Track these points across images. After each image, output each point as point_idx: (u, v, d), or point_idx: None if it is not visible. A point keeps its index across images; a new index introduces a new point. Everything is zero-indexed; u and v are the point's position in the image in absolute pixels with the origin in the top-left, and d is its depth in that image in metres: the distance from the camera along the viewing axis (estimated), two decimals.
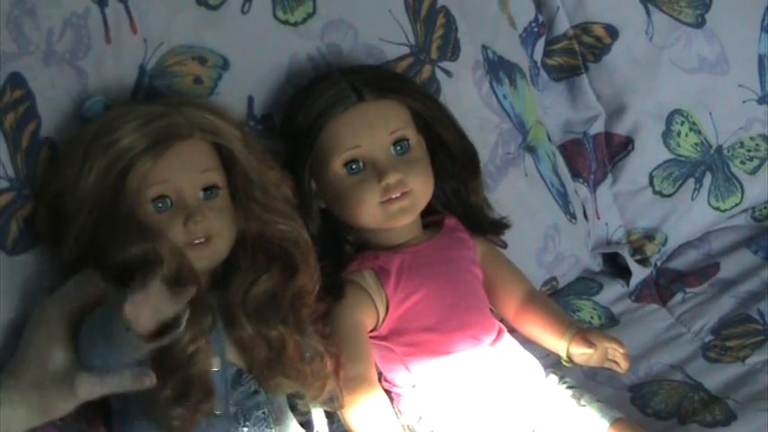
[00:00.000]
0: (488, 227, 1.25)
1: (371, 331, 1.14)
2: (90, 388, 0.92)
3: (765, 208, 1.60)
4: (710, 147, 1.54)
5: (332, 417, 1.11)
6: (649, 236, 1.54)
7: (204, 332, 0.97)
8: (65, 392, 0.92)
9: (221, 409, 1.00)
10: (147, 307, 0.86)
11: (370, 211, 1.13)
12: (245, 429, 1.01)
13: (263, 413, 1.02)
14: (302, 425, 1.07)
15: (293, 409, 1.07)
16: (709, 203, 1.55)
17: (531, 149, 1.40)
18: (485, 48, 1.36)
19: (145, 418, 0.97)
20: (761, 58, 1.54)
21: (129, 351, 0.88)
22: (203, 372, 0.97)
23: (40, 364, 0.93)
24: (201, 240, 1.01)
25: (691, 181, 1.53)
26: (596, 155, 1.54)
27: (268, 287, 1.04)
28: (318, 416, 1.09)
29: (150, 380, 0.91)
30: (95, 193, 1.00)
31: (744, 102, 1.54)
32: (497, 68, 1.37)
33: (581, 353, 1.15)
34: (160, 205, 1.01)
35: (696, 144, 1.53)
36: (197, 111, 1.04)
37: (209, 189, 1.04)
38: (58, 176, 1.03)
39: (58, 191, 1.02)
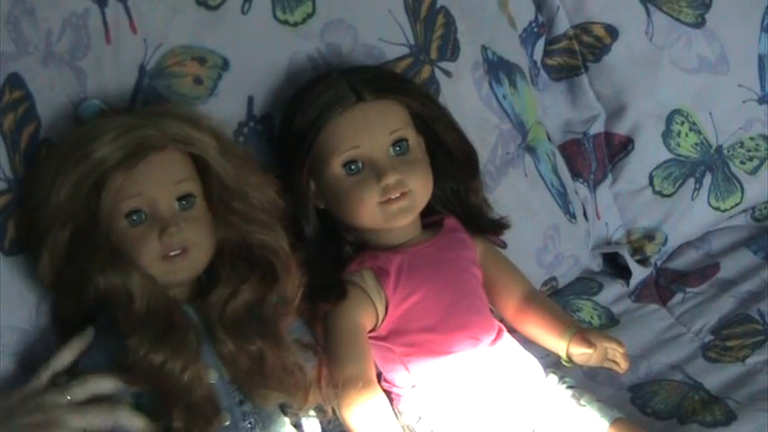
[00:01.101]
0: (488, 227, 1.25)
1: (371, 331, 1.14)
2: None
3: (765, 208, 1.60)
4: (710, 147, 1.54)
5: (325, 414, 1.10)
6: (649, 236, 1.54)
7: (193, 356, 0.97)
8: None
9: (228, 418, 1.00)
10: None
11: (370, 211, 1.13)
12: None
13: (250, 424, 1.02)
14: (296, 426, 1.07)
15: (286, 414, 1.07)
16: (709, 203, 1.55)
17: (530, 149, 1.40)
18: (484, 48, 1.36)
19: None
20: (761, 58, 1.54)
21: None
22: (205, 392, 0.97)
23: None
24: (178, 252, 1.01)
25: (691, 181, 1.53)
26: (596, 155, 1.54)
27: (246, 299, 1.04)
28: (310, 422, 1.08)
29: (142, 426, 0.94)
30: (68, 209, 0.99)
31: (744, 102, 1.54)
32: (497, 69, 1.37)
33: (581, 353, 1.15)
34: (135, 218, 1.01)
35: (696, 144, 1.53)
36: (171, 121, 1.03)
37: (184, 199, 1.03)
38: (33, 190, 1.02)
39: (34, 205, 1.01)
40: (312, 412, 1.07)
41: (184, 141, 1.03)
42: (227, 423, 0.99)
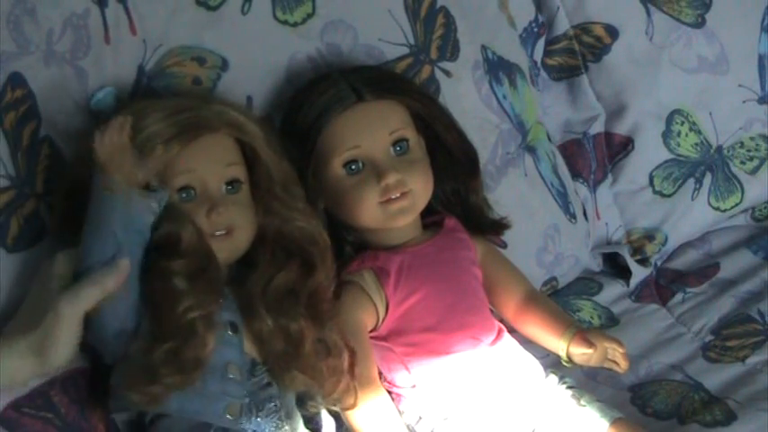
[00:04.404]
0: (488, 227, 1.25)
1: (371, 331, 1.15)
2: (70, 299, 0.92)
3: (765, 208, 1.60)
4: (710, 147, 1.54)
5: (340, 420, 1.11)
6: (649, 236, 1.54)
7: (205, 304, 0.97)
8: (50, 319, 0.92)
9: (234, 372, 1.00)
10: (117, 152, 0.93)
11: (370, 211, 1.13)
12: (259, 420, 1.01)
13: (275, 405, 1.02)
14: (311, 420, 1.07)
15: (301, 409, 1.07)
16: (710, 203, 1.55)
17: (530, 149, 1.40)
18: (484, 48, 1.36)
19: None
20: (761, 58, 1.54)
21: (120, 211, 0.92)
22: (197, 346, 0.96)
23: (33, 312, 0.94)
24: (223, 232, 1.02)
25: (691, 181, 1.53)
26: (596, 155, 1.54)
27: (287, 282, 1.05)
28: (326, 419, 1.09)
29: (124, 266, 0.94)
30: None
31: (744, 102, 1.54)
32: (497, 69, 1.37)
33: (581, 353, 1.15)
34: (184, 195, 1.02)
35: (696, 144, 1.53)
36: (224, 107, 1.05)
37: (231, 184, 1.04)
38: (78, 166, 1.02)
39: (78, 180, 1.01)
40: (331, 404, 1.07)
41: (237, 127, 1.05)
42: (232, 377, 0.99)
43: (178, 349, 0.95)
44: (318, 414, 1.08)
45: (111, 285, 0.94)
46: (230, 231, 1.03)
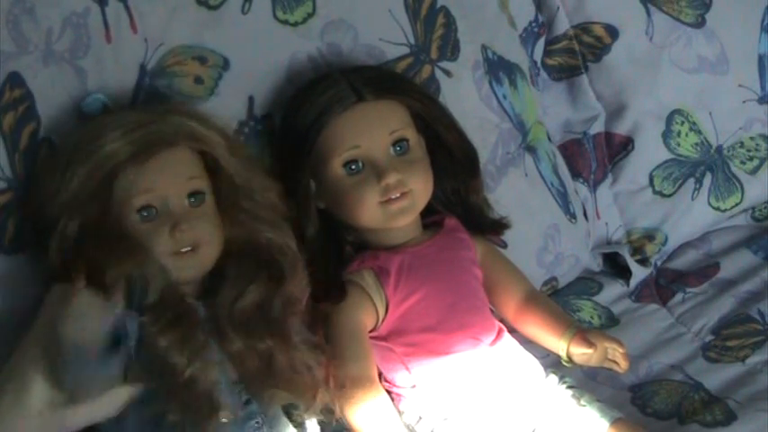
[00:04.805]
0: (488, 227, 1.25)
1: (371, 331, 1.14)
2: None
3: (765, 208, 1.60)
4: (710, 147, 1.54)
5: (327, 429, 1.10)
6: (649, 236, 1.54)
7: (198, 351, 0.96)
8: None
9: (228, 416, 0.99)
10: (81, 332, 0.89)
11: (370, 211, 1.13)
12: None
13: (257, 423, 1.01)
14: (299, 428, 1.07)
15: (289, 417, 1.06)
16: (709, 203, 1.55)
17: (531, 149, 1.40)
18: (484, 48, 1.36)
19: None
20: (761, 58, 1.54)
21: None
22: (206, 389, 0.96)
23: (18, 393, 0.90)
24: (188, 249, 1.01)
25: (691, 181, 1.53)
26: (596, 155, 1.54)
27: (255, 298, 1.03)
28: (313, 427, 1.08)
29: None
30: (78, 201, 0.99)
31: (744, 102, 1.54)
32: (497, 68, 1.37)
33: (581, 353, 1.15)
34: (145, 214, 1.00)
35: (696, 144, 1.53)
36: (182, 118, 1.03)
37: (194, 196, 1.03)
38: (40, 186, 1.02)
39: (41, 201, 1.01)
40: (315, 415, 1.06)
41: (196, 138, 1.03)
42: (225, 421, 0.98)
43: (188, 405, 0.94)
44: (304, 423, 1.07)
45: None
46: (196, 247, 1.01)
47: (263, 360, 1.02)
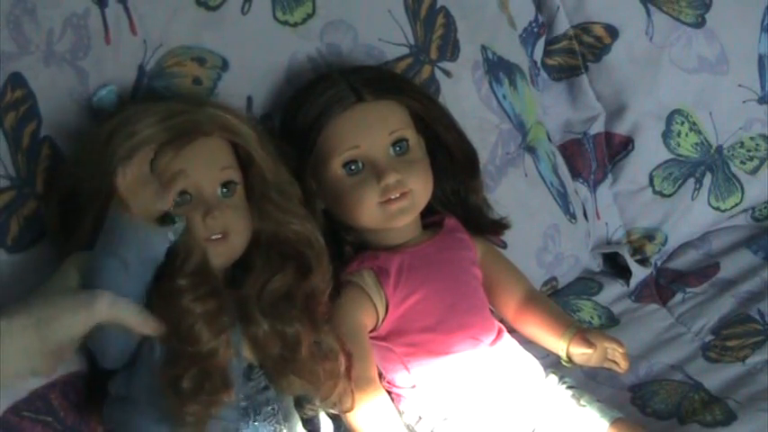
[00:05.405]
0: (488, 227, 1.25)
1: (371, 331, 1.15)
2: (108, 304, 0.92)
3: (765, 208, 1.60)
4: (710, 147, 1.54)
5: (339, 422, 1.11)
6: (649, 236, 1.54)
7: (225, 327, 0.97)
8: (79, 305, 0.92)
9: (234, 396, 0.99)
10: (138, 186, 0.94)
11: (370, 211, 1.13)
12: (256, 424, 1.01)
13: (273, 409, 1.02)
14: (309, 422, 1.07)
15: (300, 411, 1.07)
16: (710, 203, 1.55)
17: (530, 149, 1.40)
18: (484, 48, 1.36)
19: (150, 409, 0.97)
20: (761, 58, 1.54)
21: (135, 239, 0.92)
22: (223, 365, 0.97)
23: (55, 283, 0.94)
24: (219, 236, 1.02)
25: (691, 181, 1.53)
26: (596, 155, 1.54)
27: (282, 285, 1.04)
28: (324, 421, 1.09)
29: (157, 328, 0.94)
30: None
31: (744, 102, 1.54)
32: (497, 69, 1.37)
33: (581, 353, 1.15)
34: (179, 200, 1.01)
35: (696, 144, 1.53)
36: (216, 110, 1.05)
37: (226, 186, 1.04)
38: (75, 169, 1.02)
39: (74, 183, 1.01)
40: (330, 408, 1.07)
41: (230, 130, 1.04)
42: (227, 400, 0.99)
43: (205, 375, 0.95)
44: (317, 416, 1.08)
45: (142, 329, 0.95)
46: (226, 235, 1.02)
47: (286, 346, 1.02)
